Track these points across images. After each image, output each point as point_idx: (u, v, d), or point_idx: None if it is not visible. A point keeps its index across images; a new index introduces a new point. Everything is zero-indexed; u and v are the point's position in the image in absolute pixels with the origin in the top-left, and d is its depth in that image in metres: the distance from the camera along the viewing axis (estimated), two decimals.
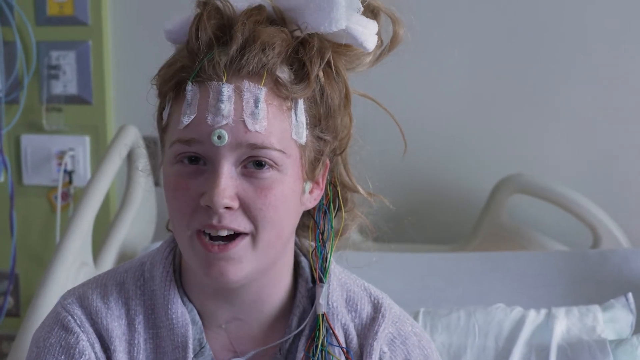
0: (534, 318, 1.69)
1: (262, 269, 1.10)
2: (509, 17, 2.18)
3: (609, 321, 1.69)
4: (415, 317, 1.69)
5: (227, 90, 1.04)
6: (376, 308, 1.18)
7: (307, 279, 1.17)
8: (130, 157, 2.01)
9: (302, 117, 1.07)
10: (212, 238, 1.06)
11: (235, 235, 1.06)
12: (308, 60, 1.07)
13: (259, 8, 1.08)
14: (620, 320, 1.70)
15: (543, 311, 1.71)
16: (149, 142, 2.14)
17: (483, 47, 2.20)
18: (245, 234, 1.06)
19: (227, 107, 1.03)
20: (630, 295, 1.73)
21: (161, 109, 1.11)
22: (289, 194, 1.07)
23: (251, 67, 1.04)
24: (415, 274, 1.93)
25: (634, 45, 2.14)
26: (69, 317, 1.14)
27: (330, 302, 1.15)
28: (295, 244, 1.18)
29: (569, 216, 2.11)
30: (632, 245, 2.10)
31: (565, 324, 1.67)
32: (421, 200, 2.23)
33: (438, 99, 2.23)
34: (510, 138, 2.21)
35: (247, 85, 1.04)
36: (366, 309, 1.17)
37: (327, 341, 1.13)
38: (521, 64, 2.19)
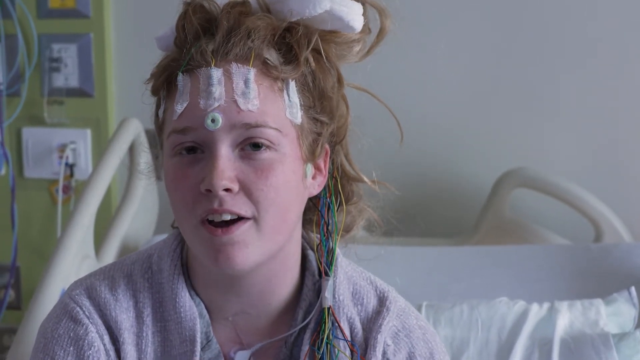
0: (536, 312, 1.69)
1: (268, 256, 1.09)
2: (511, 10, 2.18)
3: (611, 315, 1.69)
4: (418, 311, 1.69)
5: (217, 73, 1.05)
6: (382, 301, 1.18)
7: (314, 273, 1.17)
8: (131, 150, 2.01)
9: (295, 97, 1.08)
10: (215, 225, 1.06)
11: (237, 219, 1.06)
12: (295, 43, 1.08)
13: (243, 2, 1.10)
14: (623, 314, 1.70)
15: (546, 305, 1.71)
16: (150, 135, 2.14)
17: (485, 41, 2.19)
18: (247, 218, 1.06)
19: (218, 89, 1.04)
20: (633, 289, 1.73)
21: (157, 109, 1.12)
22: (290, 175, 1.07)
23: (238, 50, 1.06)
24: (419, 268, 1.93)
25: (635, 39, 2.14)
26: (78, 309, 1.14)
27: (336, 296, 1.15)
28: (303, 237, 1.18)
29: (572, 210, 2.11)
30: (634, 239, 2.10)
31: (568, 317, 1.67)
32: (423, 194, 2.22)
33: (440, 93, 2.23)
34: (513, 132, 2.21)
35: (236, 67, 1.05)
36: (372, 303, 1.17)
37: (332, 334, 1.13)
38: (524, 58, 2.18)
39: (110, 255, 1.94)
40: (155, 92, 1.11)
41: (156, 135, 1.14)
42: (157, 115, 1.12)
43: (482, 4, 2.19)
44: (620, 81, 2.16)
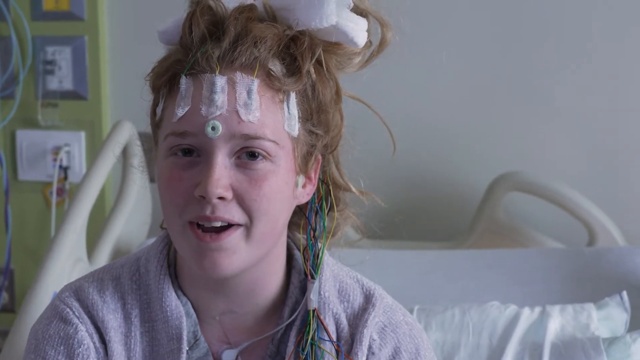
0: (528, 316, 1.69)
1: (254, 262, 1.11)
2: (508, 13, 2.18)
3: (603, 319, 1.69)
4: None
5: (221, 81, 1.05)
6: (368, 298, 1.19)
7: (300, 271, 1.18)
8: (125, 153, 2.01)
9: (295, 110, 1.09)
10: (205, 230, 1.07)
11: (228, 226, 1.07)
12: (299, 55, 1.09)
13: (251, 6, 1.10)
14: (615, 319, 1.70)
15: (537, 309, 1.70)
16: (144, 138, 2.13)
17: (480, 44, 2.19)
18: (239, 225, 1.07)
19: (221, 98, 1.05)
20: (624, 293, 1.72)
21: (155, 105, 1.12)
22: (283, 186, 1.08)
23: (244, 59, 1.06)
24: (412, 271, 1.93)
25: (632, 41, 2.14)
26: (68, 310, 1.16)
27: (322, 293, 1.16)
28: (289, 237, 1.19)
29: (565, 214, 2.11)
30: (627, 243, 2.09)
31: (559, 322, 1.67)
32: (418, 197, 2.22)
33: (435, 95, 2.23)
34: (507, 135, 2.21)
35: (240, 77, 1.06)
36: (358, 300, 1.18)
37: (317, 335, 1.14)
38: (519, 61, 2.18)
39: (103, 258, 1.93)
40: (155, 89, 1.11)
41: (152, 133, 1.14)
42: (154, 112, 1.12)
43: (479, 6, 2.19)
44: (615, 85, 2.16)
